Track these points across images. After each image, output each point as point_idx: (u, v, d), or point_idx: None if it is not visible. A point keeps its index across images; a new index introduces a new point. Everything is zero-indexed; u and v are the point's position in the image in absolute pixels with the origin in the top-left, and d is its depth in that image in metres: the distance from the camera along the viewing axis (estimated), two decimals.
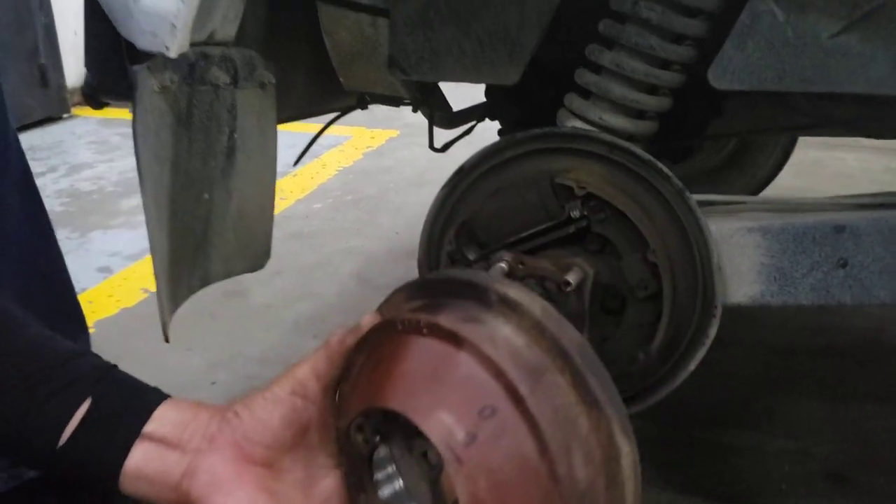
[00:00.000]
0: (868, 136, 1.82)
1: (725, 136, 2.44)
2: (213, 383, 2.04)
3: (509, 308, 0.80)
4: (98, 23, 1.15)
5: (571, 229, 1.19)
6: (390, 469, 0.82)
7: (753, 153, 2.62)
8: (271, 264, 1.42)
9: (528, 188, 1.21)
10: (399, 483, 0.83)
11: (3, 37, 4.32)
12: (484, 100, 1.77)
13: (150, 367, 2.00)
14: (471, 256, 1.25)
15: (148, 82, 1.04)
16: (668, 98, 1.27)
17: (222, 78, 1.16)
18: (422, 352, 0.79)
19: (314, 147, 1.97)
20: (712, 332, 1.16)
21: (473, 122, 1.94)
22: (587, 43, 1.28)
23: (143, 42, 1.08)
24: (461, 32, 1.30)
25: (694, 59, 1.24)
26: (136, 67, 1.05)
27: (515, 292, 0.82)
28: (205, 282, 1.27)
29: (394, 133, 4.49)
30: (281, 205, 3.23)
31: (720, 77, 1.16)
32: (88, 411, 0.82)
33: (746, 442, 1.75)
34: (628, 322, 1.20)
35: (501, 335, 0.78)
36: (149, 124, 1.07)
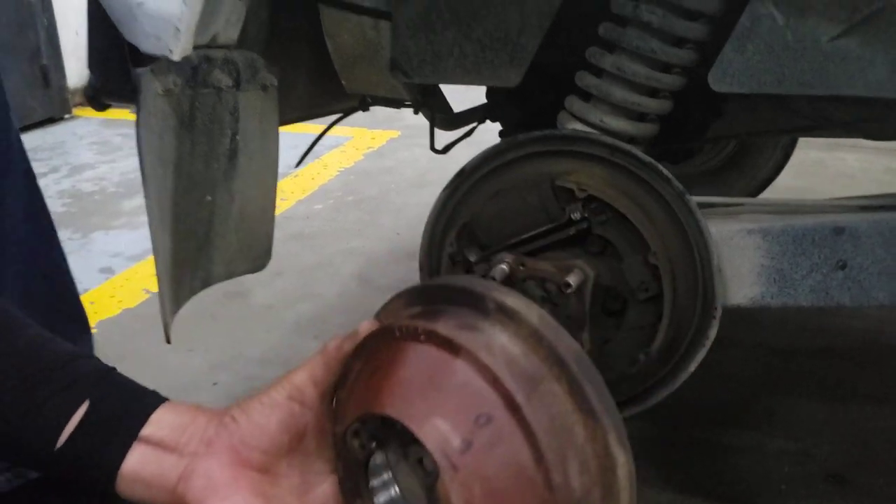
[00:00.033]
0: (868, 137, 1.82)
1: (725, 138, 2.44)
2: (215, 384, 2.04)
3: (506, 316, 0.80)
4: (101, 25, 1.15)
5: (572, 231, 1.19)
6: (386, 476, 0.83)
7: (753, 154, 2.62)
8: (272, 265, 1.42)
9: (529, 190, 1.21)
10: (395, 490, 0.83)
11: (5, 37, 4.33)
12: (485, 101, 1.78)
13: (151, 367, 2.03)
14: (472, 258, 1.26)
15: (151, 85, 1.05)
16: (669, 101, 1.28)
17: (225, 81, 1.17)
18: (419, 359, 0.79)
19: (315, 148, 1.98)
20: (712, 333, 1.16)
21: (474, 124, 1.94)
22: (588, 46, 1.28)
23: (147, 45, 1.08)
24: (462, 35, 1.30)
25: (694, 62, 1.24)
26: (139, 71, 1.06)
27: (513, 300, 0.82)
28: (206, 283, 1.28)
29: (395, 134, 4.49)
30: (282, 206, 3.23)
31: (720, 80, 1.16)
32: (87, 413, 0.82)
33: (746, 442, 1.75)
34: (629, 324, 1.20)
35: (498, 343, 0.78)
36: (152, 127, 1.07)
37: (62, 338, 0.92)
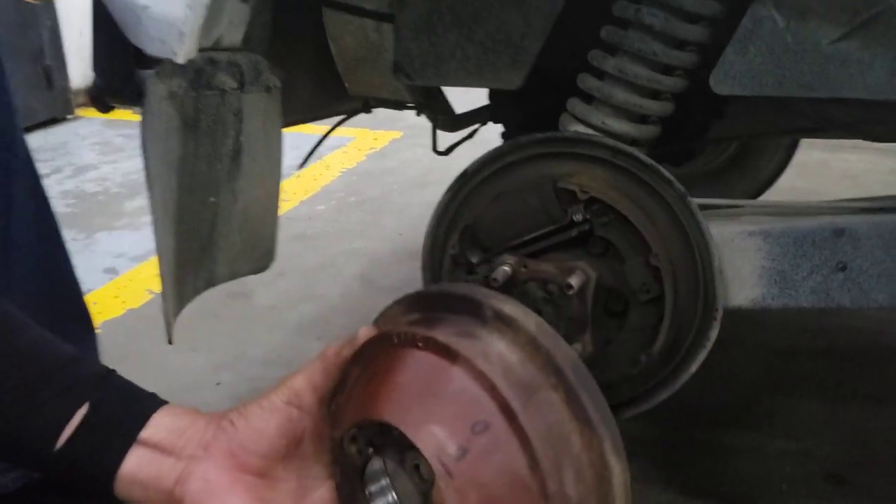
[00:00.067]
0: (870, 139, 1.83)
1: (727, 140, 2.44)
2: (218, 384, 2.04)
3: (504, 324, 0.81)
4: (106, 28, 1.16)
5: (574, 233, 1.19)
6: (384, 482, 0.83)
7: (755, 155, 2.62)
8: (275, 266, 1.43)
9: (531, 192, 1.21)
10: (392, 496, 0.84)
11: (8, 38, 4.34)
12: (487, 103, 1.79)
13: (155, 367, 2.03)
14: (474, 260, 1.26)
15: (156, 88, 1.06)
16: (671, 102, 1.28)
17: (229, 83, 1.17)
18: (416, 365, 0.80)
19: (317, 148, 1.98)
20: (713, 334, 1.17)
21: (477, 125, 1.94)
22: (590, 48, 1.29)
23: (152, 48, 1.09)
24: (465, 38, 1.31)
25: (696, 64, 1.24)
26: (145, 74, 1.06)
27: (511, 308, 0.82)
28: (210, 283, 1.29)
29: (397, 134, 4.49)
30: (284, 206, 3.22)
31: (721, 82, 1.17)
32: (86, 415, 0.83)
33: (747, 443, 1.76)
34: (631, 325, 1.20)
35: (496, 351, 0.78)
36: (157, 129, 1.08)
37: (67, 339, 0.92)
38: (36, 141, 4.35)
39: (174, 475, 0.83)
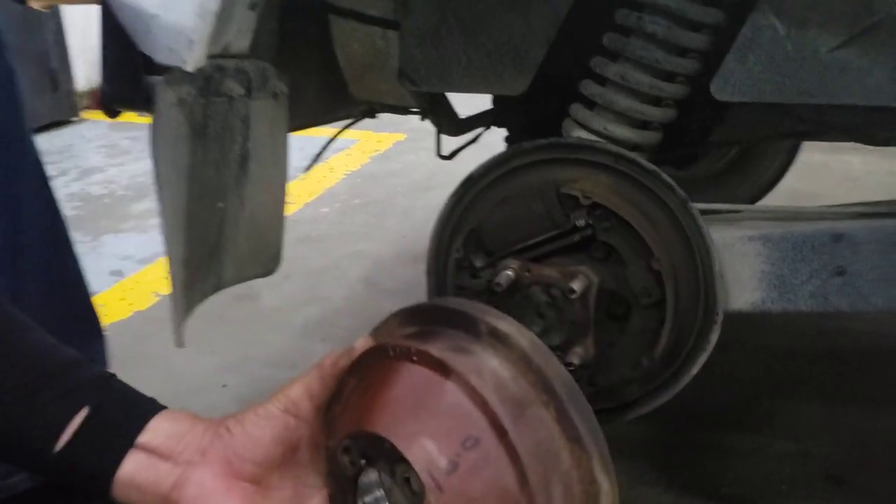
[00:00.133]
0: (869, 143, 1.84)
1: (728, 144, 2.45)
2: (224, 386, 2.05)
3: (498, 340, 0.81)
4: (115, 35, 1.17)
5: (577, 238, 1.21)
6: (378, 493, 0.82)
7: (757, 158, 2.62)
8: (280, 268, 1.44)
9: (535, 198, 1.23)
10: None
11: (13, 41, 4.34)
12: (491, 107, 1.80)
13: (161, 369, 2.05)
14: (478, 264, 1.27)
15: (166, 95, 1.07)
16: (672, 109, 1.29)
17: (236, 90, 1.18)
18: (410, 379, 0.80)
19: (320, 148, 1.99)
20: (714, 338, 1.18)
21: (480, 130, 1.95)
22: (592, 55, 1.30)
23: (162, 56, 1.10)
24: (470, 45, 1.32)
25: (697, 71, 1.26)
26: (154, 81, 1.08)
27: (505, 324, 0.83)
28: (218, 287, 1.30)
29: (401, 137, 4.50)
30: (289, 209, 3.22)
31: (722, 89, 1.18)
32: (86, 419, 0.83)
33: (748, 444, 1.76)
34: (633, 328, 1.22)
35: (488, 367, 0.79)
36: (166, 136, 1.09)
37: (75, 340, 0.93)
38: (41, 144, 4.30)
39: (171, 480, 0.83)
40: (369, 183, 3.78)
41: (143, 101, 1.14)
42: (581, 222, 1.19)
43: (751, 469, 1.68)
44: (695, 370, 1.20)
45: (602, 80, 1.29)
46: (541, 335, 1.16)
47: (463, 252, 1.29)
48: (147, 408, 0.88)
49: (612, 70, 1.26)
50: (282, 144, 1.32)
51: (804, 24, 1.12)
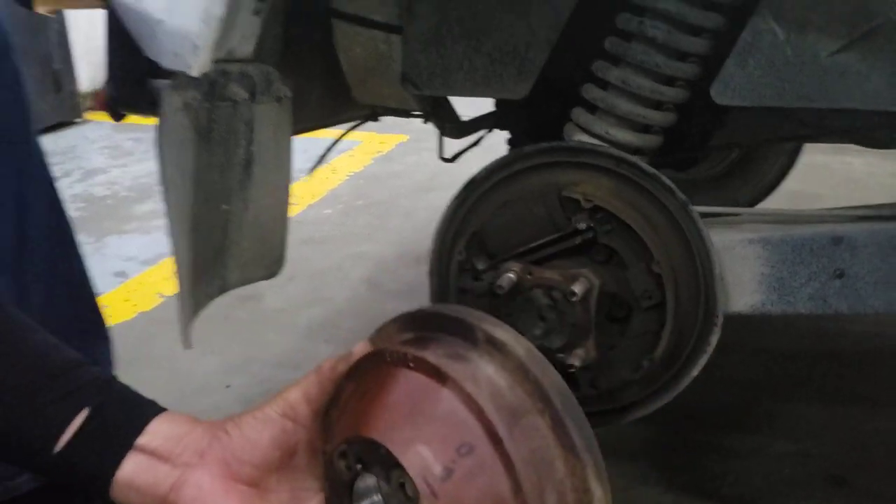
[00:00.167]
0: (869, 146, 1.85)
1: (729, 147, 2.46)
2: (228, 387, 2.06)
3: (495, 348, 0.81)
4: (120, 38, 1.18)
5: (578, 241, 1.21)
6: (376, 497, 0.82)
7: (758, 161, 2.63)
8: (284, 269, 1.45)
9: (536, 201, 1.23)
10: None
11: (17, 42, 4.34)
12: (493, 110, 1.81)
13: (166, 370, 2.06)
14: (480, 266, 1.28)
15: (171, 100, 1.08)
16: (673, 113, 1.30)
17: (241, 94, 1.19)
18: (406, 385, 0.80)
19: (323, 151, 2.00)
20: (714, 339, 1.18)
21: (483, 132, 1.96)
22: (594, 59, 1.31)
23: (167, 61, 1.10)
24: (472, 49, 1.33)
25: (697, 75, 1.27)
26: (160, 86, 1.08)
27: (502, 332, 0.83)
28: (223, 289, 1.30)
29: (403, 138, 4.50)
30: (292, 210, 3.22)
31: (722, 93, 1.19)
32: (86, 420, 0.84)
33: (748, 445, 1.77)
34: (633, 330, 1.22)
35: (484, 374, 0.79)
36: (172, 140, 1.10)
37: (81, 340, 0.94)
38: (45, 145, 4.36)
39: (169, 481, 0.84)
40: (372, 184, 3.79)
41: (147, 105, 1.15)
42: (582, 225, 1.20)
43: (751, 470, 1.69)
44: (695, 372, 1.20)
45: (604, 84, 1.30)
46: (542, 337, 1.17)
47: (465, 254, 1.29)
48: (147, 410, 0.88)
49: (614, 74, 1.27)
50: (285, 148, 1.33)
51: (804, 29, 1.13)
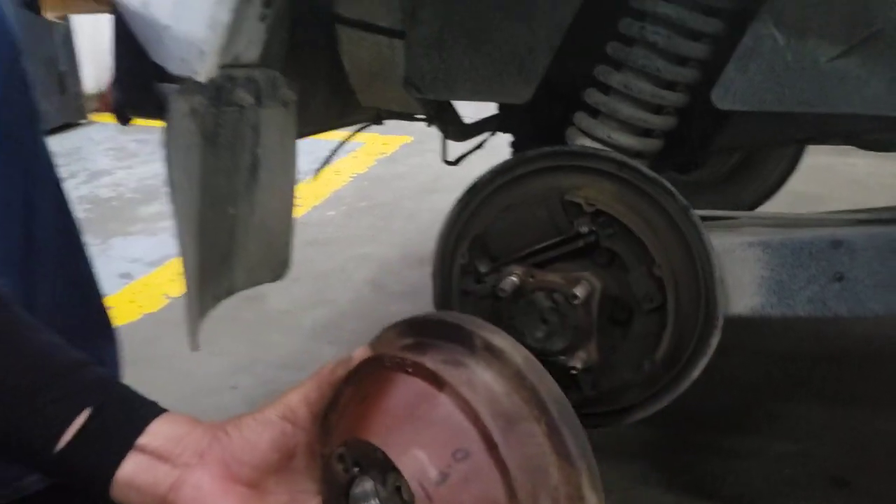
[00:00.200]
0: (872, 148, 1.85)
1: (730, 150, 2.46)
2: (234, 388, 2.07)
3: (492, 355, 0.83)
4: (126, 42, 1.19)
5: (580, 244, 1.21)
6: (372, 502, 0.83)
7: (760, 163, 2.62)
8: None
9: (539, 204, 1.24)
10: None
11: (24, 44, 4.35)
12: (496, 113, 1.81)
13: (171, 371, 2.07)
14: (483, 269, 1.28)
15: (178, 105, 1.08)
16: (674, 117, 1.31)
17: (247, 99, 1.19)
18: (404, 390, 0.81)
19: (328, 154, 2.02)
20: (714, 342, 1.19)
21: (486, 135, 1.97)
22: (596, 64, 1.32)
23: (174, 67, 1.11)
24: (475, 54, 1.34)
25: (698, 80, 1.27)
26: (167, 92, 1.09)
27: (500, 340, 0.84)
28: (230, 291, 1.31)
29: (407, 139, 4.50)
30: (296, 212, 3.22)
31: (723, 98, 1.20)
32: (87, 420, 0.85)
33: (748, 446, 1.77)
34: (635, 333, 1.23)
35: (481, 381, 0.80)
36: (179, 144, 1.10)
37: (87, 340, 0.95)
38: (51, 146, 4.36)
39: (169, 481, 0.85)
40: (375, 186, 3.79)
41: (154, 109, 1.16)
42: (584, 229, 1.20)
43: (751, 471, 1.69)
44: (696, 374, 1.21)
45: (606, 89, 1.30)
46: (544, 340, 1.18)
47: (468, 257, 1.30)
48: (148, 410, 0.90)
49: (616, 79, 1.28)
50: (291, 151, 1.34)
51: (804, 34, 1.14)
